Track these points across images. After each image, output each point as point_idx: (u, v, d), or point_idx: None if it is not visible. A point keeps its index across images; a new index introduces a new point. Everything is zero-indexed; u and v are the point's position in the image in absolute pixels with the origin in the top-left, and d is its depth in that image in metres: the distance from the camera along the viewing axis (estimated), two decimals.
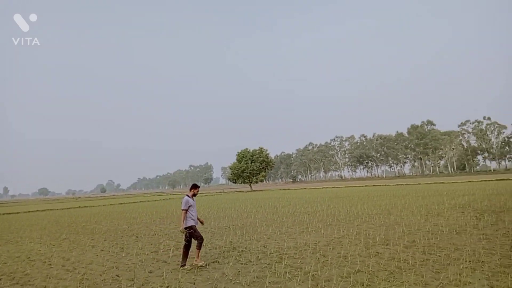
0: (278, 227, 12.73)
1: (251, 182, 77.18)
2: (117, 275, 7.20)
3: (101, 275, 7.30)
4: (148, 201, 46.27)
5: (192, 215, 7.58)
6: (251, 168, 75.25)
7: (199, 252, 7.60)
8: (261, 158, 76.86)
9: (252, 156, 76.91)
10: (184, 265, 7.46)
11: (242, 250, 8.93)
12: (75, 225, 18.14)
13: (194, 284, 6.23)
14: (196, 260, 7.55)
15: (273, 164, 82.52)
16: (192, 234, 7.48)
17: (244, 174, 75.62)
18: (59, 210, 36.13)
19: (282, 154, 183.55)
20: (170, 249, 9.61)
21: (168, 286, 6.17)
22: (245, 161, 76.20)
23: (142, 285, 6.41)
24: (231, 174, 79.10)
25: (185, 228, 7.48)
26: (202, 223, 8.07)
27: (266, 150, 79.20)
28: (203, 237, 7.68)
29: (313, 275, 6.31)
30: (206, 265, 7.55)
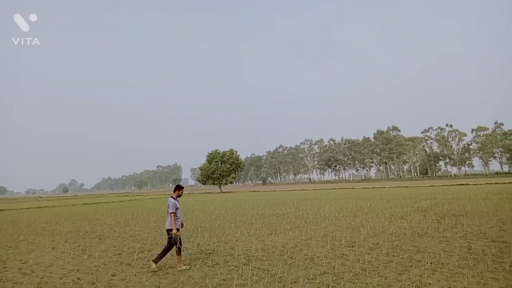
0: (246, 229, 12.70)
1: (220, 184, 76.81)
2: (78, 278, 6.91)
3: (61, 278, 6.98)
4: (113, 202, 44.97)
5: (178, 218, 7.41)
6: (221, 169, 74.93)
7: (180, 257, 7.40)
8: (231, 160, 76.70)
9: (222, 157, 76.63)
10: (156, 262, 7.31)
11: (209, 253, 8.82)
12: (35, 226, 17.31)
13: (159, 287, 6.08)
14: (179, 266, 7.33)
15: (243, 166, 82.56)
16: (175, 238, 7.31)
17: (214, 175, 75.16)
18: (17, 210, 34.37)
19: (253, 156, 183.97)
20: (135, 252, 9.35)
21: None
22: (215, 162, 75.80)
23: None
24: (201, 175, 78.40)
25: (167, 230, 7.35)
26: (182, 225, 7.90)
27: (237, 152, 79.17)
28: (181, 244, 7.46)
29: (280, 277, 6.32)
30: (189, 268, 7.32)
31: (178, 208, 7.38)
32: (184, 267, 7.27)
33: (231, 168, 76.68)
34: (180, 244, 7.33)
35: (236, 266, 7.27)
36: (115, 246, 10.42)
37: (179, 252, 7.34)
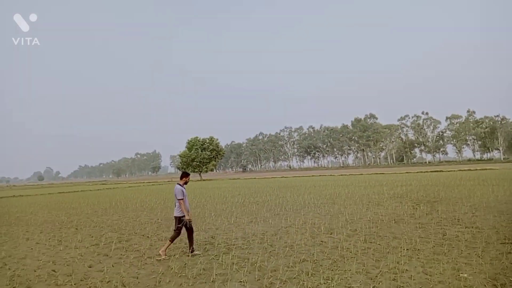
0: (227, 217, 12.69)
1: (201, 171, 76.43)
2: (54, 270, 6.73)
3: (35, 271, 6.78)
4: (90, 190, 44.11)
5: (185, 205, 7.40)
6: (202, 156, 74.46)
7: (169, 245, 7.41)
8: (211, 147, 76.27)
9: (202, 144, 76.08)
10: (193, 250, 7.45)
11: None
12: (8, 216, 16.78)
13: (137, 278, 5.99)
14: (161, 251, 7.33)
15: (223, 153, 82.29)
16: (179, 225, 7.30)
17: (194, 162, 74.62)
18: None
19: (233, 143, 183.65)
20: (113, 242, 9.18)
21: (109, 281, 5.87)
22: (195, 149, 75.20)
23: (80, 280, 6.04)
24: (181, 163, 77.66)
25: (175, 217, 7.37)
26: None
27: (217, 139, 78.73)
28: (179, 233, 7.43)
29: (260, 265, 6.34)
30: (168, 258, 7.24)
31: (185, 195, 7.37)
32: (163, 257, 7.21)
33: (211, 156, 76.30)
34: (176, 231, 7.34)
35: (216, 255, 7.25)
36: (92, 236, 10.22)
37: (172, 239, 7.35)
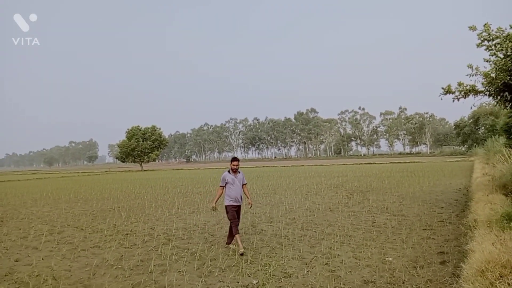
0: (168, 208, 12.49)
1: (142, 162, 73.90)
2: None
3: None
4: (19, 180, 40.70)
5: (230, 193, 6.83)
6: (143, 146, 71.92)
7: (232, 238, 6.89)
8: (153, 137, 73.94)
9: (144, 134, 73.41)
10: (229, 243, 6.95)
11: (126, 234, 8.51)
12: None
13: (70, 271, 5.72)
14: (239, 249, 6.46)
15: (166, 143, 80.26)
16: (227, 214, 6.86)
17: (135, 152, 71.87)
18: None
19: (177, 133, 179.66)
20: (43, 234, 8.63)
21: (38, 275, 5.54)
22: (135, 139, 72.36)
23: (5, 275, 5.63)
24: (120, 153, 74.38)
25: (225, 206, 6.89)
26: (250, 204, 7.28)
27: (160, 129, 76.47)
28: (234, 221, 6.74)
29: (200, 255, 6.37)
30: (244, 253, 6.36)
31: (228, 182, 6.84)
32: (242, 249, 6.39)
33: (154, 146, 74.01)
34: (232, 221, 6.73)
35: (155, 247, 7.14)
36: (20, 229, 9.53)
37: (230, 231, 6.93)
